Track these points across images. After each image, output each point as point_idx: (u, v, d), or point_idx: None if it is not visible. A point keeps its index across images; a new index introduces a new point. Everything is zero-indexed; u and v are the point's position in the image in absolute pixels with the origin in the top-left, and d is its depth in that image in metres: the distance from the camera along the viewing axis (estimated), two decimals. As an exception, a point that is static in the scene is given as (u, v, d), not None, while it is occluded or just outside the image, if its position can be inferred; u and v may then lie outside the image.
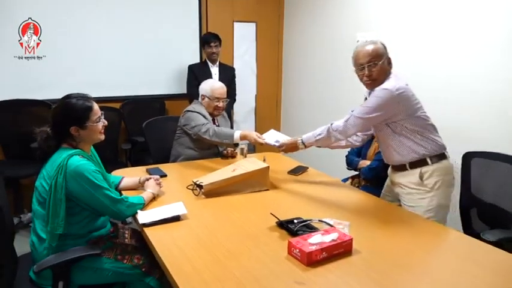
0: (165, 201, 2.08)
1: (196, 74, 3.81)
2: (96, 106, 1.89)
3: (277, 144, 2.45)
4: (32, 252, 1.83)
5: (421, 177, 2.11)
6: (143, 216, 1.86)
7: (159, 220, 1.83)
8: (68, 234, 1.77)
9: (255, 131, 4.79)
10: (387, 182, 2.38)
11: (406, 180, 2.16)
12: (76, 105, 1.83)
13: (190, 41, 4.28)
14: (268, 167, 2.30)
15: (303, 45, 4.52)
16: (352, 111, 2.16)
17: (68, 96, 1.86)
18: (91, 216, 1.86)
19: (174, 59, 4.19)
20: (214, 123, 2.94)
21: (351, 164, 2.94)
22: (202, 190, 2.19)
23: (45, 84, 3.63)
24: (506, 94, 2.66)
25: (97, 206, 1.82)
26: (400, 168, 2.18)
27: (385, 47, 2.14)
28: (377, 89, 2.07)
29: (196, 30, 4.28)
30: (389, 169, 2.32)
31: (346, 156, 2.98)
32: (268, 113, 4.96)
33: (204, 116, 2.82)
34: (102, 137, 1.94)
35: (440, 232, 1.86)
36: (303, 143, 2.32)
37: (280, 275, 1.44)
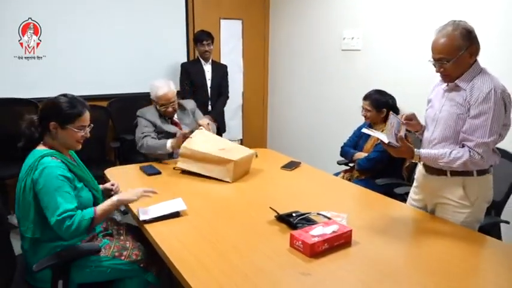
0: (162, 198, 2.08)
1: (189, 72, 3.81)
2: (86, 115, 1.83)
3: (392, 142, 1.83)
4: (25, 260, 1.80)
5: (464, 188, 1.86)
6: (143, 213, 1.86)
7: (159, 217, 1.83)
8: (55, 237, 1.72)
9: (243, 127, 4.88)
10: (414, 187, 2.13)
11: (446, 188, 1.91)
12: (67, 103, 1.79)
13: (178, 39, 4.25)
14: (233, 161, 2.32)
15: (289, 41, 4.55)
16: (468, 144, 1.77)
17: (65, 95, 1.83)
18: None
19: (161, 56, 4.16)
20: (172, 118, 2.92)
21: (346, 155, 2.98)
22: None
23: (42, 84, 3.57)
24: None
25: (46, 213, 1.67)
26: (438, 172, 1.90)
27: (467, 36, 1.75)
28: (479, 96, 1.74)
29: (183, 28, 4.26)
30: (420, 169, 2.05)
31: (341, 148, 3.02)
32: (255, 110, 4.98)
33: (150, 121, 2.79)
34: (79, 146, 1.86)
35: (433, 222, 1.91)
36: (419, 157, 1.86)
37: (285, 266, 1.47)
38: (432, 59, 1.83)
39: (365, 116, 2.85)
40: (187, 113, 3.02)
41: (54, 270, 1.68)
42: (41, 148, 1.79)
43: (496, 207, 2.25)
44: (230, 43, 4.63)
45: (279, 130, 4.94)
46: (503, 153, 2.25)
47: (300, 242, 1.55)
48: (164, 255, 1.57)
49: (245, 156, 2.46)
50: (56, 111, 1.78)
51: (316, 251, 1.53)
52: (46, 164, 1.69)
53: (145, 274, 1.88)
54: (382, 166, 2.52)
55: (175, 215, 1.88)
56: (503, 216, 2.27)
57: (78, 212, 1.69)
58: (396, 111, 2.82)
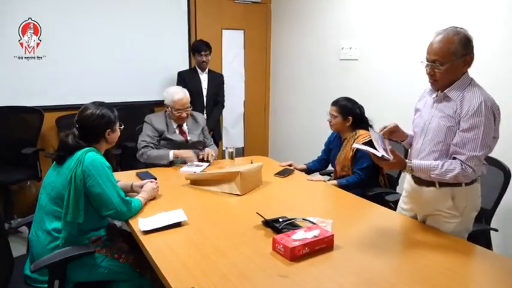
0: (157, 203, 2.16)
1: (186, 80, 3.89)
2: None
3: (385, 155, 1.77)
4: (33, 249, 1.87)
5: (452, 199, 1.86)
6: (144, 224, 1.87)
7: (160, 227, 1.85)
8: (83, 229, 1.86)
9: (244, 136, 4.95)
10: (403, 197, 2.13)
11: (435, 199, 1.89)
12: (106, 110, 2.03)
13: (180, 48, 4.35)
14: (239, 172, 2.31)
15: (290, 51, 4.63)
16: (459, 158, 1.75)
17: (101, 104, 2.05)
18: None
19: (163, 65, 4.25)
20: (181, 127, 3.01)
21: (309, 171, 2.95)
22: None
23: (42, 87, 3.64)
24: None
25: (104, 202, 1.89)
26: (427, 183, 1.89)
27: (466, 43, 1.73)
28: (469, 109, 1.72)
29: (185, 38, 4.36)
30: (409, 179, 2.03)
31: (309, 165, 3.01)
32: (257, 119, 5.05)
33: (156, 129, 2.90)
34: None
35: (421, 230, 1.91)
36: (411, 169, 1.83)
37: (265, 269, 1.52)
38: (426, 61, 1.80)
39: (330, 122, 2.75)
40: (198, 125, 3.12)
41: (51, 269, 1.74)
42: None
43: (485, 215, 2.27)
44: (232, 53, 4.72)
45: (281, 138, 5.00)
46: (493, 161, 2.27)
47: (281, 246, 1.60)
48: (150, 257, 1.63)
49: (252, 168, 2.45)
50: (107, 121, 2.00)
51: (297, 255, 1.57)
52: (94, 157, 1.89)
53: (140, 279, 1.95)
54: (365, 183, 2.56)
55: (177, 225, 1.89)
56: (492, 224, 2.28)
57: (132, 199, 2.06)
58: (365, 121, 2.74)
